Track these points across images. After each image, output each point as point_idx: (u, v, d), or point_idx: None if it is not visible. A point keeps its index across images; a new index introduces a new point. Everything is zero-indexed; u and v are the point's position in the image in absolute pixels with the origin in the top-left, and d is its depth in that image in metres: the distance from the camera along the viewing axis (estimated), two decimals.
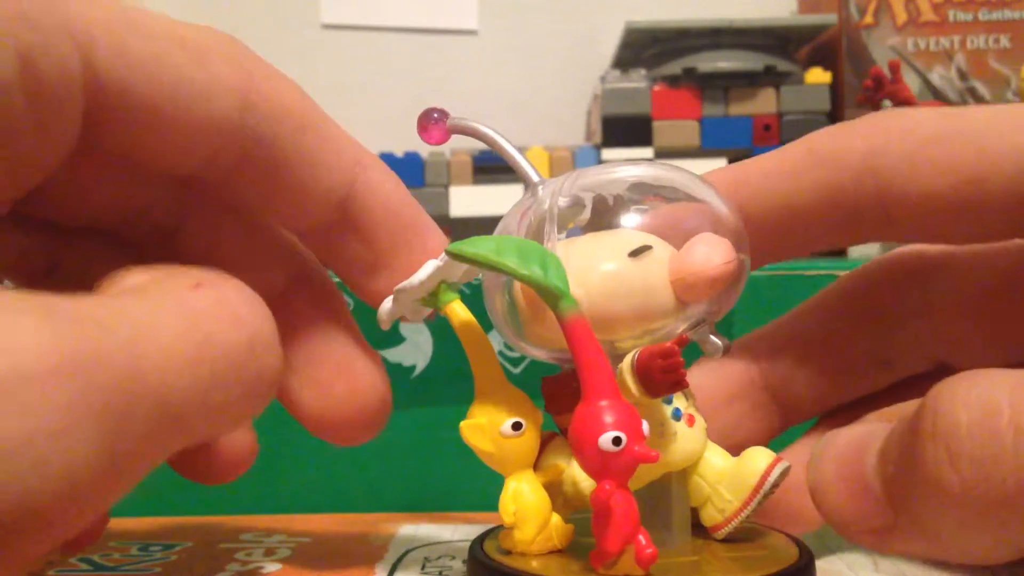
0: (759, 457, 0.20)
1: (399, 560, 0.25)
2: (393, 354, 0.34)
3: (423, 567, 0.24)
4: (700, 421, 0.20)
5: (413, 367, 0.34)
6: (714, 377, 0.24)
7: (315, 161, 0.18)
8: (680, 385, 0.18)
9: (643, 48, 0.66)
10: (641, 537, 0.18)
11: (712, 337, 0.20)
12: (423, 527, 0.29)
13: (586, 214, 0.20)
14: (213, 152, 0.17)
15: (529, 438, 0.20)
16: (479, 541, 0.21)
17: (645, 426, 0.18)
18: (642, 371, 0.18)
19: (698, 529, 0.21)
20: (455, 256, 0.19)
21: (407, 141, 0.72)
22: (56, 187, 0.17)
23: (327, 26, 0.85)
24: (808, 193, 0.21)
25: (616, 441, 0.17)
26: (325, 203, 0.19)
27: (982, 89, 0.62)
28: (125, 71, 0.15)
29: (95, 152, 0.17)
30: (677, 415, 0.20)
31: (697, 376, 0.22)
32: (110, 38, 0.15)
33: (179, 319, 0.13)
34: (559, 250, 0.19)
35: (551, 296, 0.18)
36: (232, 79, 0.17)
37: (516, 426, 0.20)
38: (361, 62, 0.85)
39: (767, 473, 0.20)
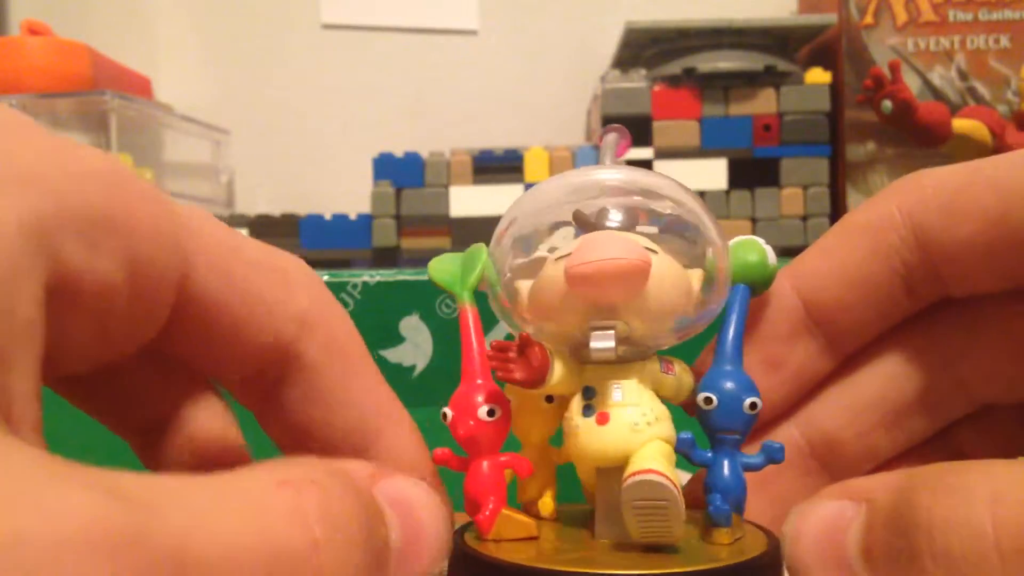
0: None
1: None
2: (393, 354, 0.34)
3: None
4: (624, 419, 0.20)
5: (413, 367, 0.34)
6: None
7: (346, 400, 0.20)
8: (503, 375, 0.19)
9: (643, 48, 0.66)
10: (491, 505, 0.20)
11: (595, 343, 0.20)
12: None
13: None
14: (264, 365, 0.19)
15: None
16: (460, 532, 0.21)
17: (485, 409, 0.20)
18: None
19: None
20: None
21: (407, 141, 0.72)
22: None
23: (327, 26, 0.85)
24: (865, 265, 0.21)
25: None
26: (344, 441, 0.20)
27: (982, 89, 0.61)
28: (224, 290, 0.18)
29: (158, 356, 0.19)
30: (587, 412, 0.20)
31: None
32: (213, 259, 0.17)
33: (244, 512, 0.13)
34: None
35: (450, 294, 0.22)
36: (301, 305, 0.19)
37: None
38: (361, 62, 0.86)
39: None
